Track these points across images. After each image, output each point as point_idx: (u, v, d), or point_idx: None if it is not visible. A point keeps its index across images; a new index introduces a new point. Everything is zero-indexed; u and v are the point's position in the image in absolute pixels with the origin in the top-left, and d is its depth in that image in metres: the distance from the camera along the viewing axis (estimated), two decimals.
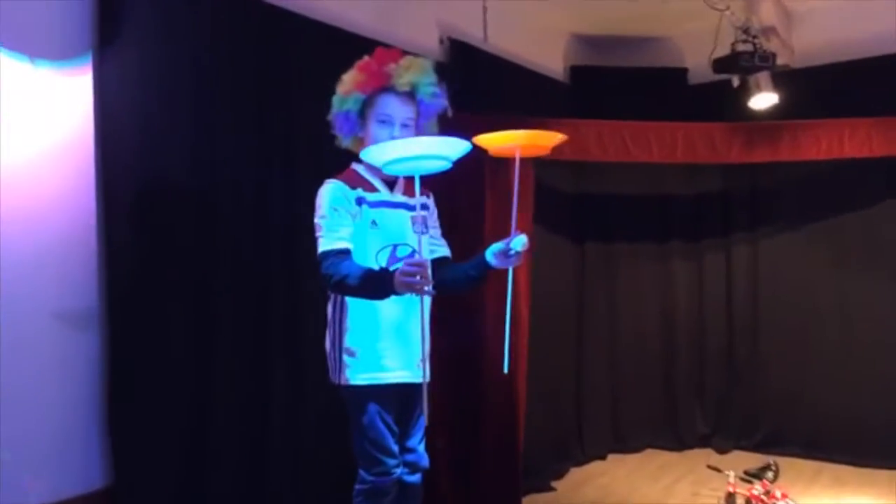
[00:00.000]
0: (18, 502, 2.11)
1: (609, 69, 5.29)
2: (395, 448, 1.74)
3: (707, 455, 4.95)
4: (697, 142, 3.97)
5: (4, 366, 2.12)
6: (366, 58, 1.85)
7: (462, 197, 3.12)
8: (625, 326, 5.26)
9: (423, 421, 1.77)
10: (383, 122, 1.78)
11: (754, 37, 4.34)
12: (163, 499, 2.45)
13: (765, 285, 5.18)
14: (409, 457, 1.79)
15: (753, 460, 4.60)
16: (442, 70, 3.74)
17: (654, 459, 5.00)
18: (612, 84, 5.20)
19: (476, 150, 1.78)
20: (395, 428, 1.74)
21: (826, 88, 4.62)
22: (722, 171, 5.08)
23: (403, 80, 1.78)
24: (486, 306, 3.22)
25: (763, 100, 4.50)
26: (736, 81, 4.47)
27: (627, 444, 5.16)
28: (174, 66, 2.55)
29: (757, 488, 3.98)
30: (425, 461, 1.83)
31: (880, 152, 4.07)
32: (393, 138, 1.73)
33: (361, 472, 1.73)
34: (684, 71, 5.33)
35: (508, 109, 4.15)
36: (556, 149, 3.62)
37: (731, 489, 3.96)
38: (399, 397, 1.74)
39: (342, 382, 1.73)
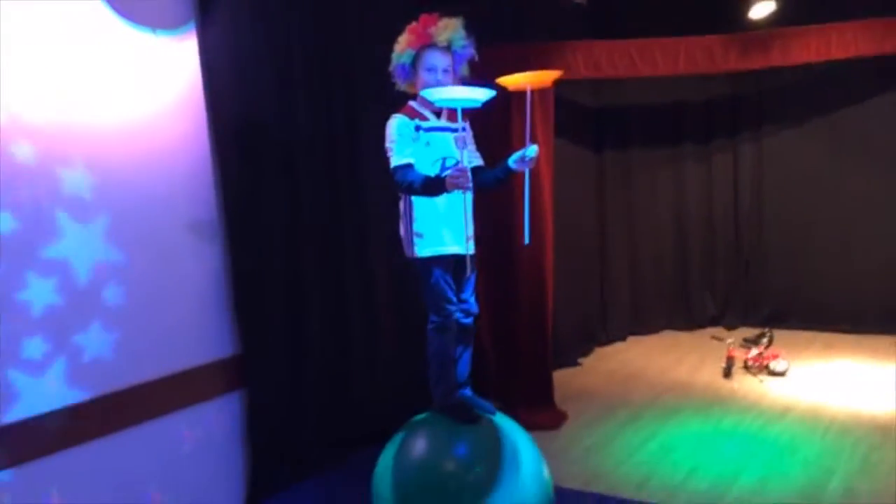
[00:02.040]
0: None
1: None
2: (454, 298, 2.44)
3: (716, 333, 5.62)
4: (697, 53, 4.45)
5: (157, 267, 2.85)
6: (413, 23, 2.44)
7: (491, 121, 3.71)
8: (641, 224, 5.84)
9: (472, 280, 2.48)
10: (429, 69, 2.38)
11: None
12: (277, 363, 3.24)
13: (769, 180, 5.72)
14: (463, 305, 2.48)
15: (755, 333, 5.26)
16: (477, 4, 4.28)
17: (668, 338, 5.70)
18: (626, 2, 5.59)
19: (499, 87, 2.38)
20: (452, 285, 2.43)
21: None
22: (731, 78, 5.52)
23: (442, 38, 2.37)
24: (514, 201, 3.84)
25: (761, 8, 4.92)
26: None
27: (645, 326, 5.84)
28: (260, 30, 3.14)
29: (753, 351, 4.68)
30: (475, 308, 2.53)
31: (865, 51, 4.49)
32: (438, 81, 2.35)
33: (431, 315, 2.44)
34: None
35: (533, 32, 4.63)
36: (574, 69, 4.22)
37: (730, 354, 4.66)
38: (453, 264, 2.43)
39: (414, 255, 2.42)
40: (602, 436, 3.84)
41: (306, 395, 3.39)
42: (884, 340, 5.09)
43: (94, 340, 2.66)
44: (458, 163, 2.37)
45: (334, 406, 3.52)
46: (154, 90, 2.89)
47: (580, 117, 5.46)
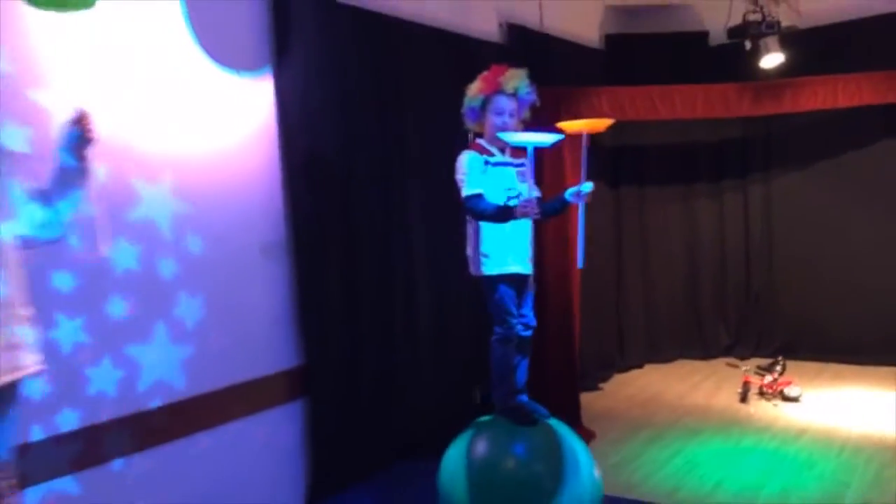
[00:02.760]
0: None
1: (639, 35, 6.07)
2: (516, 312, 2.73)
3: (730, 361, 5.90)
4: (714, 100, 4.83)
5: (234, 283, 3.14)
6: (485, 72, 2.78)
7: (546, 160, 4.06)
8: (656, 257, 6.16)
9: (531, 297, 2.78)
10: (498, 113, 2.72)
11: (762, 7, 5.15)
12: (335, 374, 3.50)
13: (777, 218, 6.05)
14: (523, 319, 2.77)
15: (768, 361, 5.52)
16: (502, 51, 4.65)
17: (683, 366, 5.97)
18: (642, 48, 5.99)
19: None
20: (515, 300, 2.72)
21: (828, 46, 5.39)
22: (741, 121, 5.88)
23: (510, 86, 2.71)
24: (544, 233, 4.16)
25: (771, 59, 5.28)
26: (748, 45, 5.27)
27: (661, 355, 6.11)
28: (327, 74, 3.49)
29: (767, 377, 4.95)
30: (534, 322, 2.81)
31: (869, 101, 4.88)
32: (504, 123, 2.70)
33: (496, 327, 2.72)
34: (705, 34, 6.10)
35: (557, 77, 5.00)
36: (598, 111, 4.57)
37: (746, 380, 4.93)
38: (516, 282, 2.72)
39: (482, 273, 2.72)
40: (629, 453, 4.09)
41: (360, 405, 3.65)
42: (886, 371, 5.36)
43: (177, 351, 2.94)
44: (520, 194, 2.68)
45: (384, 415, 3.78)
46: (235, 125, 3.22)
47: (599, 155, 5.81)
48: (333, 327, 3.54)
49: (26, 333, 1.86)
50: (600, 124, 2.72)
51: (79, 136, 1.90)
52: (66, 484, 2.57)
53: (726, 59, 5.68)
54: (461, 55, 4.40)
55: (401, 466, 3.77)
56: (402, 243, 3.96)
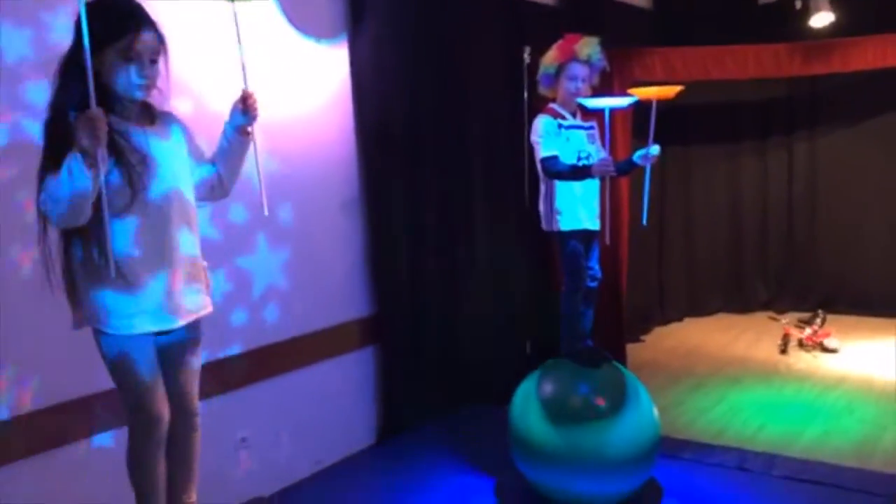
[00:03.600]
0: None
1: None
2: (585, 264, 2.96)
3: (770, 315, 6.09)
4: (765, 60, 4.92)
5: (317, 239, 3.40)
6: (560, 41, 2.95)
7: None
8: (699, 213, 6.31)
9: (598, 251, 3.01)
10: (571, 79, 2.90)
11: None
12: (405, 321, 3.79)
13: (821, 177, 6.16)
14: (591, 272, 3.01)
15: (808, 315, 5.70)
16: (553, 13, 4.78)
17: (723, 320, 6.17)
18: (690, 7, 6.03)
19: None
20: (584, 254, 2.95)
21: (880, 5, 5.41)
22: (787, 80, 5.93)
23: (583, 54, 2.89)
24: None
25: (821, 18, 5.34)
26: (798, 4, 5.33)
27: (701, 308, 6.30)
28: (396, 38, 3.65)
29: (807, 330, 5.14)
30: (600, 274, 3.05)
31: None
32: (578, 89, 2.88)
33: (566, 279, 2.96)
34: None
35: (608, 38, 5.07)
36: (651, 71, 4.70)
37: (786, 332, 5.13)
38: (586, 236, 2.95)
39: (554, 229, 2.94)
40: (673, 399, 4.33)
41: (425, 353, 3.93)
42: None
43: (269, 299, 3.22)
44: (590, 155, 2.89)
45: (446, 363, 4.06)
46: (315, 90, 3.44)
47: (644, 113, 5.91)
48: (401, 280, 3.80)
49: (206, 279, 2.19)
50: (670, 91, 2.89)
51: (244, 112, 2.13)
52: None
53: (775, 18, 5.74)
54: (515, 18, 4.55)
55: (461, 410, 4.06)
56: (462, 202, 4.17)
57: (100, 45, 1.83)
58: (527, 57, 4.55)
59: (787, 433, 3.74)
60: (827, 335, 5.07)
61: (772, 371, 4.75)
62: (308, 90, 3.40)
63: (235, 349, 3.09)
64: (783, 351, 5.06)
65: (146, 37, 1.94)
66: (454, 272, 4.13)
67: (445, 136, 4.05)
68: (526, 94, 4.55)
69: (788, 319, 5.49)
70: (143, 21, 1.95)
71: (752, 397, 4.30)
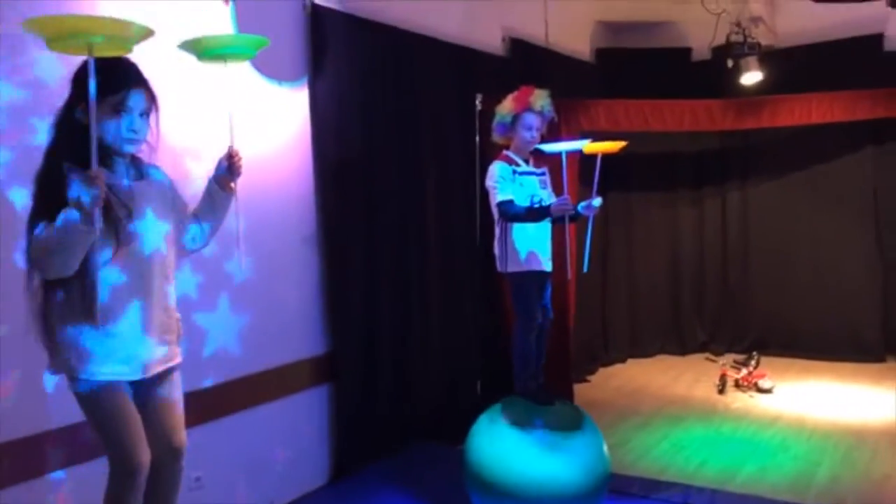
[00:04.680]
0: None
1: (627, 50, 6.44)
2: (538, 304, 3.07)
3: (708, 356, 6.33)
4: (700, 114, 5.23)
5: (271, 284, 3.42)
6: (516, 92, 3.11)
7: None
8: (640, 258, 6.56)
9: (549, 291, 3.12)
10: (528, 128, 3.06)
11: (744, 29, 5.57)
12: (359, 360, 3.81)
13: (753, 225, 6.49)
14: (544, 312, 3.11)
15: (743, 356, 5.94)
16: (503, 62, 4.99)
17: (664, 361, 6.38)
18: (629, 62, 6.36)
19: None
20: (537, 294, 3.06)
21: (803, 65, 5.81)
22: (720, 133, 6.29)
23: (537, 105, 3.06)
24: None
25: (751, 77, 5.72)
26: (730, 63, 5.70)
27: (642, 350, 6.51)
28: (354, 82, 3.76)
29: (743, 371, 5.37)
30: (551, 314, 3.16)
31: (839, 118, 5.31)
32: (532, 137, 3.04)
33: (519, 319, 3.05)
34: (688, 50, 6.50)
35: (554, 89, 5.32)
36: (596, 122, 4.94)
37: (723, 373, 5.35)
38: (539, 277, 3.07)
39: (509, 270, 3.05)
40: (619, 437, 4.45)
41: (378, 392, 3.95)
42: (851, 366, 5.83)
43: (224, 336, 3.23)
44: (541, 200, 3.03)
45: (399, 402, 4.10)
46: (276, 131, 3.51)
47: (587, 163, 6.17)
48: (356, 320, 3.84)
49: (179, 331, 2.24)
50: (615, 147, 3.07)
51: (228, 168, 2.22)
52: None
53: (707, 75, 6.08)
54: (468, 66, 4.74)
55: (412, 448, 4.09)
56: (417, 243, 4.27)
57: (99, 101, 1.87)
58: (479, 104, 4.74)
59: (726, 469, 3.89)
60: (762, 376, 5.30)
61: (711, 410, 4.93)
62: (269, 131, 3.47)
63: (189, 386, 3.06)
64: (721, 391, 5.27)
65: (138, 93, 2.03)
66: (407, 312, 4.20)
67: (400, 177, 4.16)
68: (478, 139, 4.73)
69: (725, 360, 5.73)
70: (136, 79, 2.05)
71: (694, 435, 4.45)
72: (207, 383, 3.15)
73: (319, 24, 3.63)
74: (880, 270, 6.04)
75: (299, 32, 3.60)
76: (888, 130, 5.71)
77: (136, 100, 2.03)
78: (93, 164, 1.81)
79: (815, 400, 5.05)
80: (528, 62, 5.24)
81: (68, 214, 1.81)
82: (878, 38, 5.69)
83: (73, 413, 2.18)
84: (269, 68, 3.43)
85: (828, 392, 5.24)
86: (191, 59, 2.18)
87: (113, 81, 1.96)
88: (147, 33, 1.85)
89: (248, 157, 3.28)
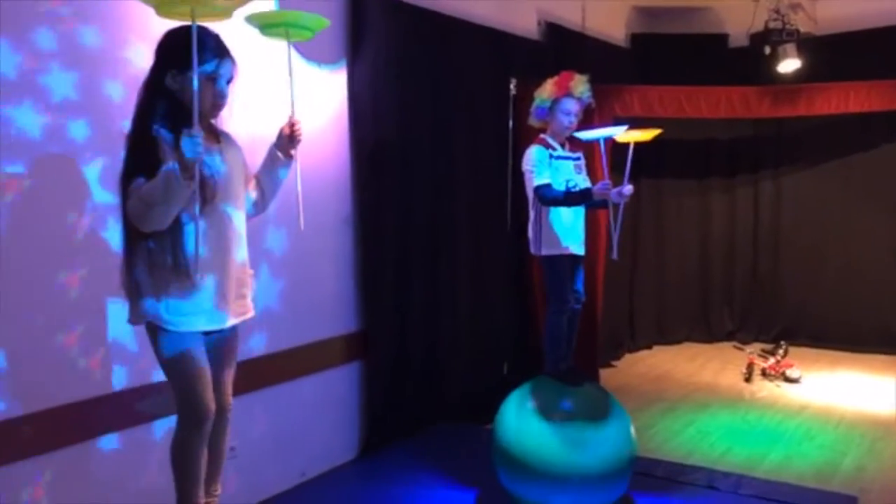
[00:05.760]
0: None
1: (663, 35, 6.40)
2: (570, 287, 3.11)
3: (735, 345, 6.33)
4: (736, 101, 5.20)
5: (307, 260, 3.50)
6: (556, 77, 3.13)
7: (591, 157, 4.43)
8: (669, 246, 6.55)
9: (582, 275, 3.16)
10: (566, 113, 3.08)
11: (783, 15, 5.51)
12: (391, 338, 3.90)
13: (785, 213, 6.44)
14: (576, 294, 3.15)
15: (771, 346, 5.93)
16: (538, 47, 4.99)
17: (690, 348, 6.38)
18: (665, 47, 6.33)
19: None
20: (570, 277, 3.10)
21: (842, 53, 5.73)
22: (754, 121, 6.23)
23: (577, 91, 3.08)
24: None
25: (788, 65, 5.65)
26: (767, 50, 5.64)
27: (668, 337, 6.52)
28: (391, 65, 3.81)
29: (770, 360, 5.37)
30: (584, 297, 3.20)
31: (877, 107, 5.25)
32: (571, 122, 3.07)
33: (552, 301, 3.10)
34: (725, 36, 6.44)
35: (590, 74, 5.34)
36: (630, 108, 4.93)
37: (751, 361, 5.35)
38: (572, 261, 3.11)
39: (542, 253, 3.09)
40: (644, 422, 4.48)
41: (408, 371, 4.03)
42: (881, 358, 5.79)
43: (260, 313, 3.30)
44: (576, 185, 3.07)
45: (428, 381, 4.17)
46: (315, 112, 3.57)
47: (619, 149, 6.16)
48: (388, 299, 3.91)
49: (252, 286, 2.39)
50: (648, 135, 3.08)
51: (289, 136, 2.36)
52: None
53: (744, 62, 6.03)
54: (503, 51, 4.76)
55: (439, 427, 4.17)
56: (449, 226, 4.32)
57: (187, 67, 1.99)
58: (513, 88, 4.77)
59: (751, 456, 3.91)
60: (789, 366, 5.30)
61: (737, 398, 4.95)
62: (308, 112, 3.52)
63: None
64: (747, 379, 5.27)
65: (228, 62, 2.18)
66: (437, 293, 4.26)
67: (434, 160, 4.21)
68: (511, 123, 4.76)
69: (752, 349, 5.72)
70: (226, 48, 2.19)
71: (719, 422, 4.47)
72: (242, 357, 3.23)
73: (359, 7, 3.68)
74: None
75: (339, 15, 3.64)
76: None
77: (226, 68, 2.18)
78: (195, 124, 1.94)
79: (843, 391, 5.04)
80: (562, 47, 5.24)
81: (169, 170, 1.94)
82: None
83: None
84: (309, 50, 3.48)
85: (855, 383, 5.23)
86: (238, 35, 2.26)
87: (208, 50, 2.10)
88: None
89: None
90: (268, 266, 3.33)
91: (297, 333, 3.49)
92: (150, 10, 2.03)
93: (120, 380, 2.74)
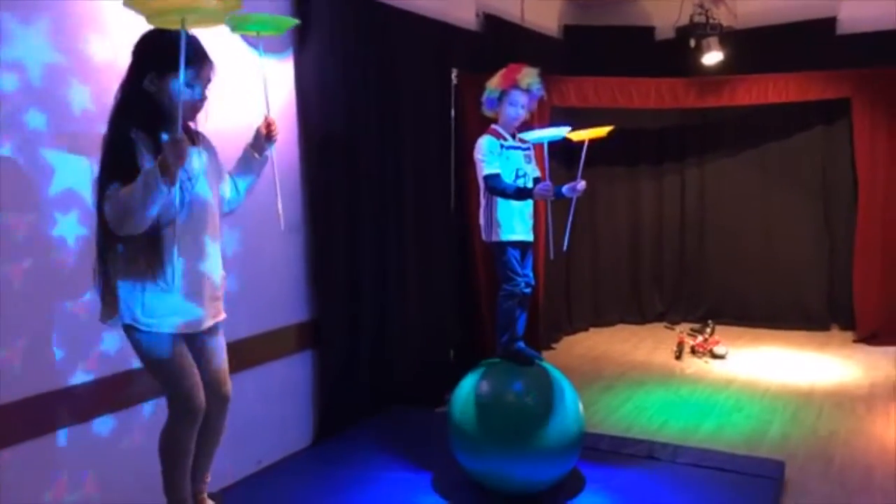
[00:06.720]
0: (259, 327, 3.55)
1: (594, 27, 6.61)
2: (521, 272, 3.22)
3: (666, 325, 6.64)
4: (664, 92, 5.45)
5: (259, 251, 3.50)
6: (504, 70, 3.22)
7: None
8: (602, 232, 6.80)
9: (531, 260, 3.28)
10: (513, 105, 3.18)
11: (707, 10, 5.79)
12: (342, 326, 3.94)
13: (709, 199, 6.78)
14: (526, 279, 3.26)
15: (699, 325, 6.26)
16: (478, 37, 5.09)
17: (624, 330, 6.66)
18: (595, 39, 6.53)
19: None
20: (520, 262, 3.22)
21: (761, 46, 6.07)
22: (680, 111, 6.52)
23: (525, 82, 3.17)
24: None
25: (712, 57, 5.95)
26: (693, 43, 5.92)
27: (603, 319, 6.78)
28: (340, 60, 3.84)
29: (699, 338, 5.67)
30: (533, 281, 3.31)
31: (794, 98, 5.62)
32: (518, 114, 3.17)
33: (503, 285, 3.21)
34: (652, 29, 6.70)
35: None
36: (566, 98, 5.10)
37: (681, 340, 5.64)
38: (521, 247, 3.22)
39: (494, 239, 3.19)
40: (586, 400, 4.53)
41: (359, 357, 4.09)
42: (798, 334, 6.20)
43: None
44: (525, 174, 3.18)
45: (378, 368, 4.24)
46: (257, 101, 3.56)
47: (573, 145, 6.34)
48: (339, 287, 3.95)
49: (224, 288, 2.43)
50: (602, 132, 3.21)
51: (264, 136, 2.42)
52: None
53: (671, 54, 6.30)
54: (444, 42, 4.84)
55: (393, 411, 4.25)
56: (396, 215, 4.39)
57: (166, 70, 2.01)
58: (454, 78, 4.86)
59: (685, 428, 4.16)
60: (716, 343, 5.61)
61: (669, 375, 5.21)
62: (255, 102, 3.51)
63: None
64: (678, 357, 5.56)
65: (208, 66, 2.21)
66: (386, 282, 4.33)
67: (381, 150, 4.27)
68: (453, 112, 4.85)
69: (682, 329, 6.02)
70: (205, 52, 2.22)
71: (655, 397, 4.72)
72: None
73: None
74: (826, 246, 6.39)
75: (286, 5, 3.64)
76: (838, 111, 6.02)
77: (205, 71, 2.20)
78: (178, 129, 1.96)
79: (766, 365, 5.38)
80: (500, 38, 5.36)
81: (149, 174, 1.95)
82: (831, 22, 5.97)
83: None
84: (255, 38, 3.47)
85: (777, 358, 5.58)
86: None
87: (189, 55, 2.09)
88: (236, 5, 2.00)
89: (236, 127, 3.39)
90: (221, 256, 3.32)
91: (250, 324, 3.50)
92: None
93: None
